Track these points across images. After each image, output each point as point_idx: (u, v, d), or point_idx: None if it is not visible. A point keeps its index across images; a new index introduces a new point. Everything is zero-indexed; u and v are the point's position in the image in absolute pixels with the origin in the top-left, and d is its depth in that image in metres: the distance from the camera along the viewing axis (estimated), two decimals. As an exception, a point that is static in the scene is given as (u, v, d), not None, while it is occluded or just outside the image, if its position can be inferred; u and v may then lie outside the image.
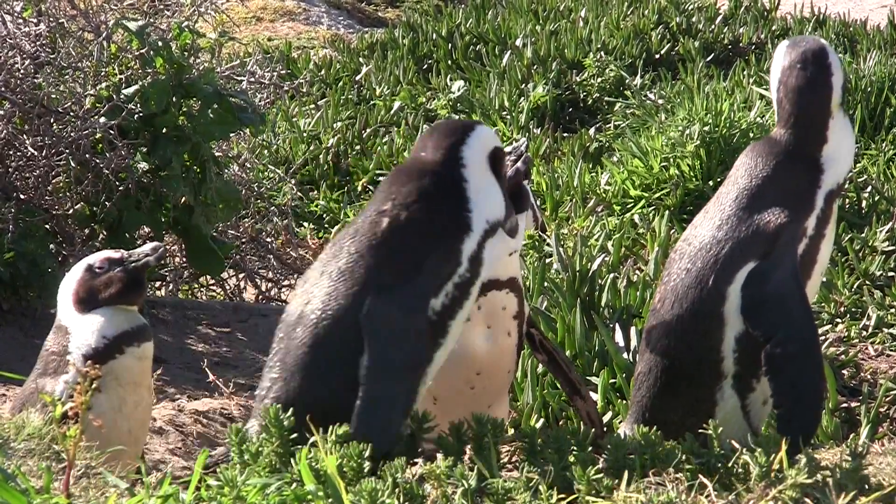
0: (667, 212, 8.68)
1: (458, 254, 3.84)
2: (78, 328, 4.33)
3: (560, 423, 5.56)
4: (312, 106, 12.76)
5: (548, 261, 6.46)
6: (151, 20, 7.23)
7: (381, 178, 10.99)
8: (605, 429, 5.19)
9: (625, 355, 5.64)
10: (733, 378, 3.75)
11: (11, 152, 7.01)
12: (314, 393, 3.68)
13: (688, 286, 3.81)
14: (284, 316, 3.84)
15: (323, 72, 13.99)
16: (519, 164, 7.15)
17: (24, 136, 6.98)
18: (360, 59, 14.40)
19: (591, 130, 12.37)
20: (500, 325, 4.75)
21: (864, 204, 8.72)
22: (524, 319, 4.80)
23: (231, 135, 7.70)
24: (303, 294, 3.81)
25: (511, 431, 5.43)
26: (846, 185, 9.36)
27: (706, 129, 9.29)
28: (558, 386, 5.68)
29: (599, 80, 13.21)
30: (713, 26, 14.50)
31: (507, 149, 9.07)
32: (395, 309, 3.69)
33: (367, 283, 3.72)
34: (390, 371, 3.67)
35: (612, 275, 6.12)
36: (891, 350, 5.89)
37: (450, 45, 14.27)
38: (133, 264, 4.38)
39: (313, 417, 3.47)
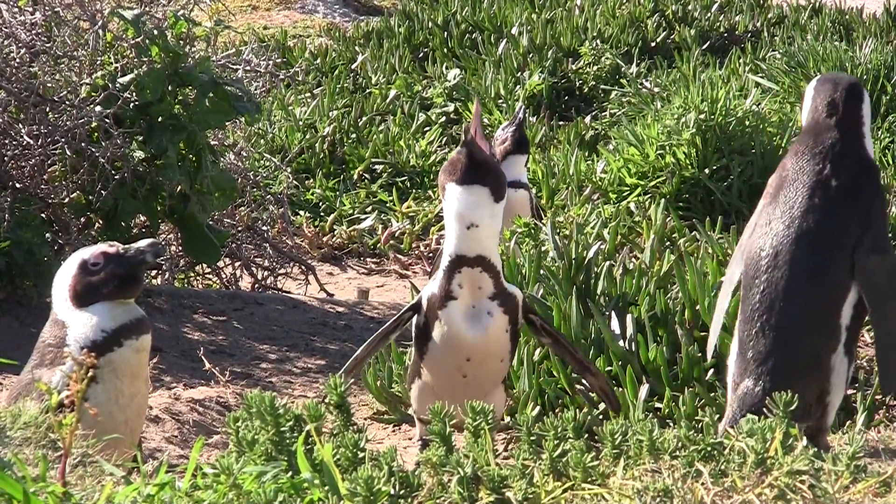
0: (663, 200, 8.69)
1: (883, 190, 4.41)
2: (75, 323, 4.29)
3: (556, 410, 5.56)
4: (308, 94, 12.76)
5: (543, 249, 6.46)
6: (147, 9, 7.23)
7: (376, 167, 11.03)
8: (619, 401, 5.25)
9: (621, 343, 5.64)
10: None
11: (7, 141, 7.00)
12: (796, 342, 4.21)
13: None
14: (750, 274, 4.27)
15: (319, 60, 13.98)
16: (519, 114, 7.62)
17: (20, 125, 6.98)
18: (356, 48, 14.39)
19: (587, 118, 12.39)
20: (480, 305, 4.77)
21: (859, 191, 8.70)
22: (507, 303, 4.80)
23: (227, 123, 7.70)
24: (773, 258, 4.25)
25: (507, 419, 5.45)
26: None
27: (702, 117, 9.29)
28: (554, 374, 5.69)
29: (595, 68, 13.22)
30: (709, 14, 14.51)
31: (504, 125, 9.15)
32: (882, 255, 4.25)
33: (845, 242, 4.24)
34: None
35: (608, 263, 6.12)
36: (887, 337, 5.89)
37: (445, 33, 14.26)
38: (130, 261, 4.33)
39: (795, 366, 4.16)
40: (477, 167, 4.74)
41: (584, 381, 5.36)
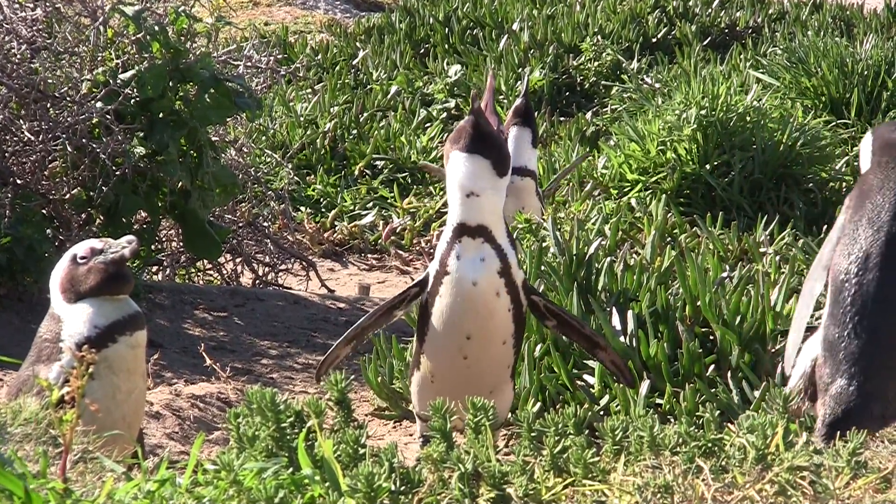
0: (664, 195, 8.68)
1: None
2: (69, 318, 4.32)
3: (557, 406, 5.56)
4: (309, 90, 12.76)
5: (544, 244, 6.46)
6: (148, 5, 7.22)
7: (377, 163, 11.03)
8: (632, 376, 5.24)
9: (622, 339, 5.64)
10: None
11: (8, 137, 7.00)
12: (889, 342, 4.25)
13: None
14: (841, 278, 4.30)
15: (320, 56, 13.97)
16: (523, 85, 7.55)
17: (21, 121, 6.97)
18: (357, 44, 14.39)
19: (588, 114, 12.39)
20: (485, 279, 4.74)
21: (860, 187, 8.69)
22: (514, 281, 4.77)
23: (228, 119, 7.70)
24: (864, 261, 4.31)
25: (509, 416, 5.44)
26: (843, 170, 9.42)
27: (703, 112, 9.29)
28: (555, 370, 5.69)
29: (596, 63, 13.22)
30: (710, 10, 14.50)
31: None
32: None
33: None
34: None
35: (608, 258, 6.12)
36: (887, 333, 5.89)
37: (447, 29, 14.26)
38: (111, 256, 4.35)
39: (889, 365, 4.21)
40: (481, 138, 4.71)
41: (596, 357, 5.27)
